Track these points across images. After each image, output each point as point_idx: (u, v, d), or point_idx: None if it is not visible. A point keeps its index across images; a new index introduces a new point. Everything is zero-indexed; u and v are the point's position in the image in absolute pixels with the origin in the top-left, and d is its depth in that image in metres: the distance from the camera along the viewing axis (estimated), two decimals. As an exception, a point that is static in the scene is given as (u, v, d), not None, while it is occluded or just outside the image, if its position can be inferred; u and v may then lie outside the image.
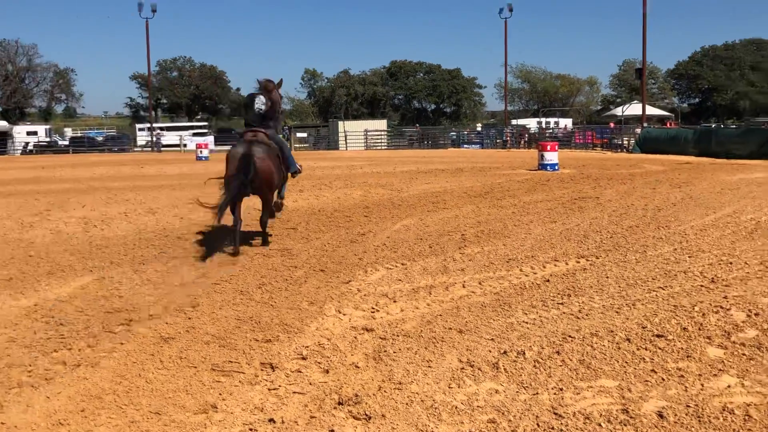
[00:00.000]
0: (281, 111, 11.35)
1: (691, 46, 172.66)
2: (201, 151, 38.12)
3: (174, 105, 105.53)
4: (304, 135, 63.83)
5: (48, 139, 64.30)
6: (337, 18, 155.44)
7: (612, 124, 50.36)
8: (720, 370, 4.44)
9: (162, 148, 58.01)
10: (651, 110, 58.26)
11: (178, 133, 63.81)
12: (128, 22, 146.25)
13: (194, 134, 63.70)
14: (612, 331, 5.24)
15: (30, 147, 59.52)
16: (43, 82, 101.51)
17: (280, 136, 10.97)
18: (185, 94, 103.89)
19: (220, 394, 4.30)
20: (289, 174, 10.19)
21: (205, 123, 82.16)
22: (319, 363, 4.82)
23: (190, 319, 5.94)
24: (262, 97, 9.81)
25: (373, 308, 6.15)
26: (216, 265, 8.16)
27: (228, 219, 8.87)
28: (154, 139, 59.71)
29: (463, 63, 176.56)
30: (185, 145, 55.77)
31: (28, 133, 65.50)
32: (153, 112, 79.40)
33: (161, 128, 70.24)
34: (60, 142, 64.12)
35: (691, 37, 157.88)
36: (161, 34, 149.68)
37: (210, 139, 57.78)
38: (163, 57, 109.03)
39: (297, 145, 57.60)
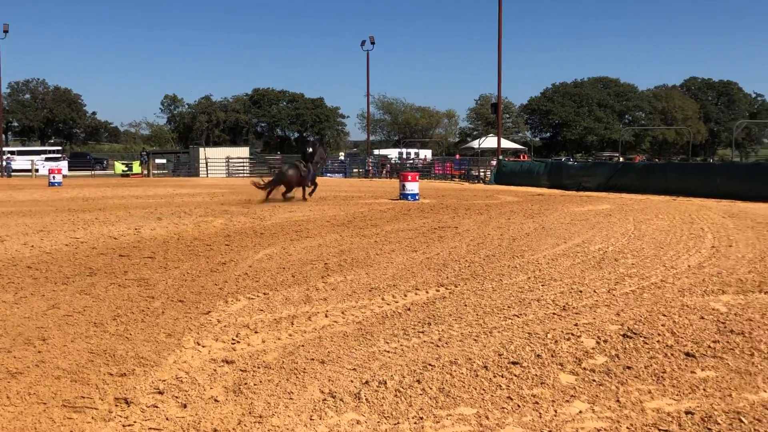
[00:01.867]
0: (318, 156, 23.62)
1: (543, 82, 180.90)
2: (54, 177, 36.58)
3: (26, 128, 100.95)
4: (164, 161, 62.37)
5: None
6: (199, 44, 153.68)
7: (458, 156, 51.98)
8: (572, 396, 4.63)
9: (12, 173, 55.32)
10: (506, 143, 60.38)
11: (29, 158, 61.02)
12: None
13: (47, 159, 61.05)
14: (470, 359, 5.37)
15: None
16: None
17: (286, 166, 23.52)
18: (38, 117, 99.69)
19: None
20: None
21: (59, 147, 78.95)
22: (176, 397, 4.70)
23: (39, 352, 5.68)
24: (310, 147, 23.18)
25: (233, 339, 6.06)
26: (69, 296, 7.83)
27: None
28: (4, 163, 56.84)
29: (327, 93, 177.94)
30: (37, 170, 53.46)
31: None
32: (3, 136, 75.65)
33: (11, 152, 67.03)
34: None
35: (543, 74, 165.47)
36: (13, 55, 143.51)
37: (64, 164, 55.64)
38: (15, 78, 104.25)
39: (156, 172, 56.23)
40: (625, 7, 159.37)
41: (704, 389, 4.74)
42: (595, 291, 7.89)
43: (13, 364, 5.36)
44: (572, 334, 6.02)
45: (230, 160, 54.96)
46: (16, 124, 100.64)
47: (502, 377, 4.99)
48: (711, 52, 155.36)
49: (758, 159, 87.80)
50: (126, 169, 54.87)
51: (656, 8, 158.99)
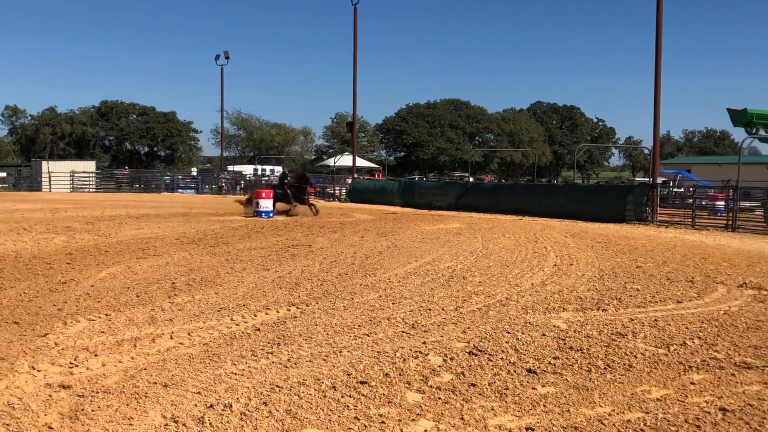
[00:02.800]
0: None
1: (397, 103, 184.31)
2: None
3: None
4: (3, 175, 59.25)
5: None
6: (42, 52, 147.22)
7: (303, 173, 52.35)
8: (418, 414, 4.67)
9: None
10: (361, 162, 61.02)
11: None
12: None
13: None
14: (319, 380, 5.33)
15: None
16: None
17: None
18: None
19: None
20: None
21: None
22: (7, 425, 4.42)
23: None
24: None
25: (71, 363, 5.77)
26: None
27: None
28: None
29: (179, 107, 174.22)
30: None
31: None
32: None
33: None
34: None
35: (397, 94, 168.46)
36: None
37: None
38: None
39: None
40: (476, 31, 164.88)
41: (544, 405, 4.89)
42: (443, 309, 8.03)
43: None
44: (420, 353, 6.09)
45: (75, 175, 52.80)
46: None
47: (350, 397, 4.98)
48: (556, 77, 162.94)
49: (599, 180, 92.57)
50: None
51: (505, 34, 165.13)
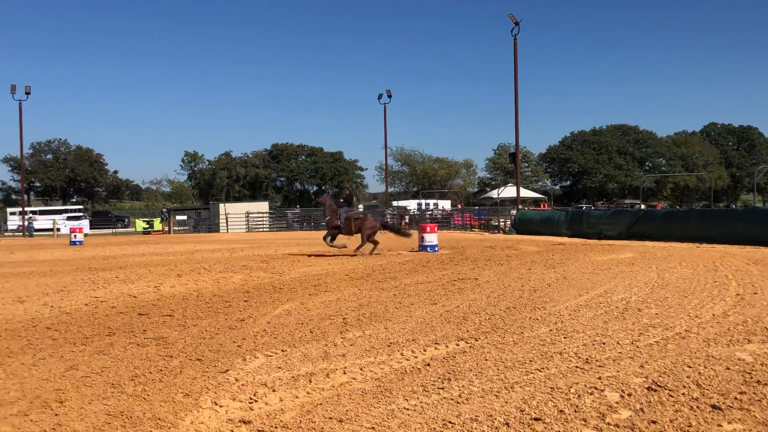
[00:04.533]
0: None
1: (561, 131, 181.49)
2: (75, 236, 36.88)
3: (48, 188, 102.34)
4: (184, 218, 62.78)
5: None
6: (218, 100, 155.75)
7: (460, 204, 51.85)
8: (595, 452, 4.51)
9: (34, 233, 55.88)
10: (525, 192, 60.38)
11: (51, 217, 61.69)
12: (0, 102, 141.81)
13: (68, 218, 61.72)
14: (491, 416, 5.26)
15: None
16: None
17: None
18: (60, 176, 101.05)
19: (86, 498, 4.06)
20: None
21: (80, 207, 79.81)
22: (194, 459, 4.63)
23: (56, 415, 5.63)
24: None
25: (251, 398, 5.99)
26: (87, 357, 7.80)
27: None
28: (26, 223, 57.42)
29: (345, 146, 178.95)
30: (59, 230, 53.97)
31: None
32: (25, 196, 76.64)
33: (34, 212, 67.84)
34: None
35: (561, 122, 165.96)
36: (35, 116, 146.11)
37: (85, 223, 56.21)
38: (37, 139, 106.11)
39: (176, 228, 56.54)
40: (642, 54, 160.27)
41: (733, 444, 4.61)
42: (618, 342, 7.76)
43: (29, 428, 5.32)
44: (596, 388, 5.90)
45: (250, 215, 55.23)
46: (38, 184, 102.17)
47: (525, 434, 4.88)
48: (730, 98, 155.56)
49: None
50: (147, 226, 55.38)
51: (673, 55, 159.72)
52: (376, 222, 23.01)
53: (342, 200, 23.35)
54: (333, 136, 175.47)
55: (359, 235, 22.59)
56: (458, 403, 5.67)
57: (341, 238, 23.38)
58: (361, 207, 70.96)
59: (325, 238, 22.85)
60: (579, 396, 5.70)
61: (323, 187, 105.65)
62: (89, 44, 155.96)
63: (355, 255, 21.85)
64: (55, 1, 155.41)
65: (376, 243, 22.70)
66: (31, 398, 6.13)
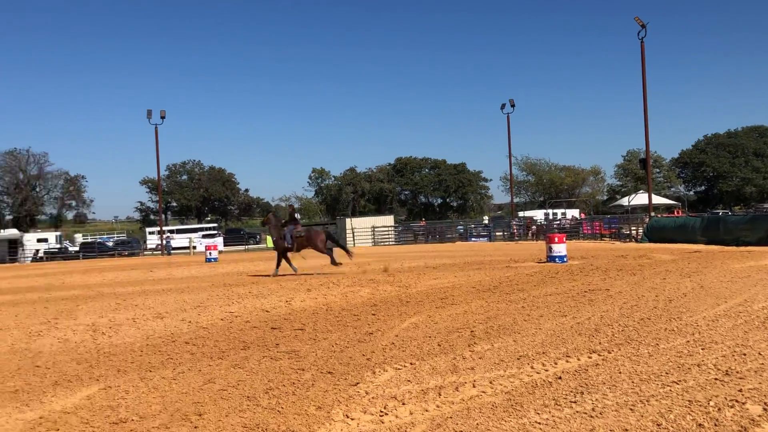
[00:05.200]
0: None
1: (693, 134, 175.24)
2: (210, 253, 38.20)
3: (184, 208, 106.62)
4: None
5: (58, 246, 64.72)
6: (342, 118, 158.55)
7: (582, 214, 50.52)
8: (739, 468, 4.32)
9: (172, 251, 58.29)
10: (657, 199, 58.52)
11: (187, 236, 64.24)
12: (138, 127, 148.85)
13: (204, 236, 64.07)
14: (626, 430, 5.12)
15: (40, 254, 59.90)
16: (54, 189, 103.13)
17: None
18: (195, 196, 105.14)
19: None
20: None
21: (215, 225, 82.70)
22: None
23: (196, 427, 5.84)
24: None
25: (381, 411, 6.04)
26: (224, 371, 8.06)
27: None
28: (164, 242, 60.00)
29: (468, 157, 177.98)
30: (195, 248, 56.09)
31: (39, 240, 66.10)
32: (163, 216, 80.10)
33: (171, 231, 70.82)
34: (70, 249, 64.52)
35: (693, 125, 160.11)
36: (171, 138, 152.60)
37: (219, 240, 58.13)
38: (173, 161, 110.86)
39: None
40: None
41: None
42: (760, 353, 7.40)
43: (171, 439, 5.54)
44: (736, 401, 5.65)
45: (375, 229, 55.83)
46: (174, 204, 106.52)
47: (662, 450, 4.73)
48: None
49: None
50: (277, 242, 56.71)
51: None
52: (322, 234, 23.51)
53: (286, 220, 23.88)
54: (456, 148, 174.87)
55: (308, 251, 23.36)
56: (592, 417, 5.54)
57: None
58: (486, 219, 70.65)
59: (280, 257, 23.33)
60: (719, 409, 5.47)
61: (447, 200, 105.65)
62: (220, 69, 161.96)
63: (339, 265, 22.62)
64: (187, 30, 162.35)
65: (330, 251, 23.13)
66: (172, 411, 6.38)
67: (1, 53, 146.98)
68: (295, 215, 24.17)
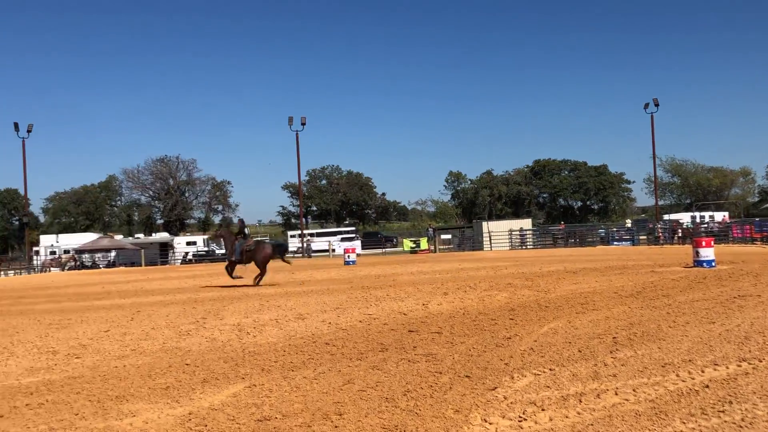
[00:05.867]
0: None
1: None
2: (348, 256, 38.86)
3: (323, 211, 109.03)
4: (449, 236, 64.07)
5: (206, 249, 67.42)
6: (479, 120, 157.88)
7: (725, 218, 47.93)
8: None
9: (312, 254, 59.63)
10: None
11: (326, 239, 65.63)
12: (279, 134, 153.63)
13: (342, 239, 65.32)
14: (780, 443, 4.87)
15: (189, 257, 62.61)
16: (202, 194, 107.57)
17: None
18: (333, 200, 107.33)
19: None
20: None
21: (353, 228, 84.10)
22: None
23: (336, 427, 5.96)
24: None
25: (520, 417, 5.98)
26: (362, 372, 8.19)
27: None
28: (305, 245, 61.50)
29: (610, 158, 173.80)
30: (334, 250, 57.19)
31: (188, 243, 69.05)
32: (303, 220, 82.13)
33: (311, 234, 72.53)
34: (217, 251, 67.07)
35: None
36: (311, 144, 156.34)
37: (357, 243, 59.05)
38: (313, 166, 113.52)
39: (441, 247, 57.82)
40: None
41: None
42: None
43: (312, 437, 5.67)
44: None
45: (513, 233, 55.27)
46: (314, 207, 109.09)
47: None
48: None
49: None
50: (414, 245, 57.16)
51: None
52: (267, 250, 24.28)
53: (237, 234, 24.74)
54: (597, 149, 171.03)
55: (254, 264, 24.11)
56: (741, 427, 5.31)
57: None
58: (628, 222, 68.80)
59: (226, 268, 24.78)
60: None
61: (587, 202, 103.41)
62: (357, 75, 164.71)
63: (258, 285, 23.28)
64: (325, 39, 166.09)
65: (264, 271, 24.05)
66: (313, 410, 6.54)
67: (155, 68, 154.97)
68: (245, 230, 25.13)
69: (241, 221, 26.60)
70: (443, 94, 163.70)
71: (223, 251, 24.78)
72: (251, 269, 24.59)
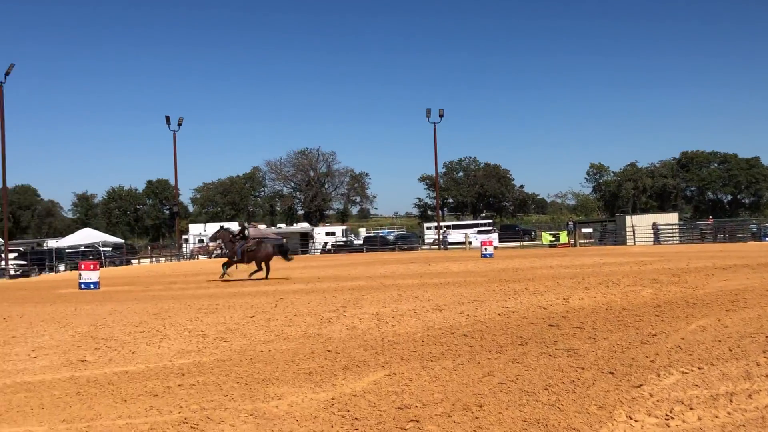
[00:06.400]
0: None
1: None
2: (485, 249, 38.66)
3: (460, 204, 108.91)
4: (590, 230, 62.62)
5: (344, 239, 68.70)
6: (622, 109, 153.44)
7: None
8: None
9: (448, 246, 59.69)
10: None
11: (463, 231, 65.54)
12: (417, 126, 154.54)
13: (479, 232, 65.04)
14: None
15: (328, 246, 63.98)
16: (341, 186, 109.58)
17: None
18: (470, 193, 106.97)
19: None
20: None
21: (490, 221, 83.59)
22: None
23: (477, 418, 5.95)
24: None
25: (667, 415, 5.79)
26: (502, 364, 8.14)
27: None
28: (441, 237, 61.64)
29: (763, 151, 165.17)
30: (470, 243, 57.04)
31: (327, 234, 70.55)
32: (440, 212, 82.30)
33: (447, 227, 72.63)
34: (355, 242, 68.26)
35: None
36: (448, 136, 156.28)
37: (494, 236, 58.63)
38: (450, 158, 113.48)
39: (582, 241, 56.62)
40: None
41: None
42: None
43: (453, 428, 5.69)
44: None
45: (658, 227, 53.47)
46: (451, 200, 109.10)
47: None
48: None
49: None
50: (553, 239, 56.28)
51: None
52: (268, 250, 25.92)
53: (237, 235, 26.44)
54: (749, 141, 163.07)
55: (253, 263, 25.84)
56: None
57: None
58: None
59: (223, 266, 26.70)
60: None
61: (738, 196, 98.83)
62: (493, 66, 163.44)
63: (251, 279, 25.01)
64: (464, 29, 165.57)
65: (268, 268, 25.82)
66: (453, 401, 6.56)
67: (296, 64, 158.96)
68: (245, 231, 26.53)
69: (242, 225, 28.21)
70: (583, 82, 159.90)
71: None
72: (243, 269, 26.51)
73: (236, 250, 25.75)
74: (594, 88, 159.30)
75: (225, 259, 26.99)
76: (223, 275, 25.93)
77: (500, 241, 60.58)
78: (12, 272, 40.54)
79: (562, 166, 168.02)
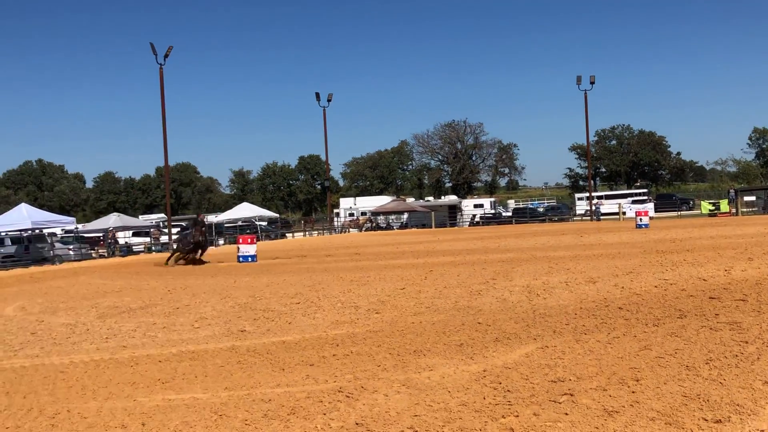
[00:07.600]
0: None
1: None
2: (641, 219, 37.46)
3: (612, 173, 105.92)
4: (752, 198, 59.37)
5: (493, 211, 68.29)
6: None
7: None
8: None
9: (601, 217, 58.25)
10: None
11: (616, 201, 63.71)
12: (566, 95, 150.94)
13: (633, 202, 63.03)
14: None
15: (477, 219, 63.83)
16: (488, 157, 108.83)
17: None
18: (624, 162, 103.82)
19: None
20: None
21: (644, 190, 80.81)
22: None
23: (633, 392, 5.79)
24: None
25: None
26: (659, 338, 7.88)
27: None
28: (593, 208, 60.18)
29: None
30: (624, 213, 55.38)
31: (475, 206, 70.37)
32: (592, 182, 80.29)
33: (600, 197, 70.81)
34: (504, 214, 67.74)
35: None
36: (599, 104, 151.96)
37: (650, 206, 56.62)
38: (601, 126, 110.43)
39: (744, 209, 53.85)
40: None
41: None
42: None
43: (609, 402, 5.56)
44: None
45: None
46: (603, 169, 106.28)
47: None
48: None
49: None
50: (713, 208, 53.85)
51: None
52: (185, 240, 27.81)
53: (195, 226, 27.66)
54: None
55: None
56: None
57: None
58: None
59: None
60: None
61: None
62: (643, 32, 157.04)
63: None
64: None
65: (188, 259, 26.87)
66: (608, 374, 6.41)
67: (443, 40, 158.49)
68: (204, 223, 28.38)
69: (201, 216, 30.52)
70: (743, 39, 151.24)
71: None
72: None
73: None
74: (757, 44, 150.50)
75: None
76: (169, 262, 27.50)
77: (656, 211, 58.39)
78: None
79: (722, 131, 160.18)
